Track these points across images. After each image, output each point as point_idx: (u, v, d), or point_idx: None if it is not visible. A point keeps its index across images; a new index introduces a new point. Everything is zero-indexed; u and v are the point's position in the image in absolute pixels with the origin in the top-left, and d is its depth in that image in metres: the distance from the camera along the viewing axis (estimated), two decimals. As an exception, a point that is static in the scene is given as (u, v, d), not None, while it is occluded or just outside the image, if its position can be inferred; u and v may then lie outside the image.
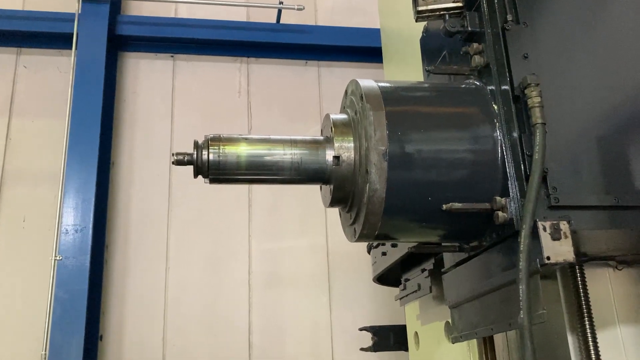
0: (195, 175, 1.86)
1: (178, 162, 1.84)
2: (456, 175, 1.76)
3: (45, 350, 4.31)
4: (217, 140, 1.85)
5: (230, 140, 1.86)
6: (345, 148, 1.82)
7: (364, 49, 5.72)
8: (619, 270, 2.13)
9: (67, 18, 5.26)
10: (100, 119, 5.03)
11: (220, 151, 1.83)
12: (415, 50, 2.69)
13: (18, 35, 5.43)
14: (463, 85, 1.95)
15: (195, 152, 1.83)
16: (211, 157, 1.82)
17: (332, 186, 1.87)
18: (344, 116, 1.93)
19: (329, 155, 1.85)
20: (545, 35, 1.87)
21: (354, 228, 1.87)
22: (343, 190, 1.85)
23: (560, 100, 1.80)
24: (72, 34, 5.15)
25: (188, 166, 1.84)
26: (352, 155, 1.82)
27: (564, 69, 1.85)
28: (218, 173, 1.85)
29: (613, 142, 1.79)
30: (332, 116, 1.92)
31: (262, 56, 5.88)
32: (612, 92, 1.86)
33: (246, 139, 1.89)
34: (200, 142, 1.85)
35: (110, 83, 5.42)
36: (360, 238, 1.85)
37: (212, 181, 1.88)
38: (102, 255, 4.99)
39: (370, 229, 1.79)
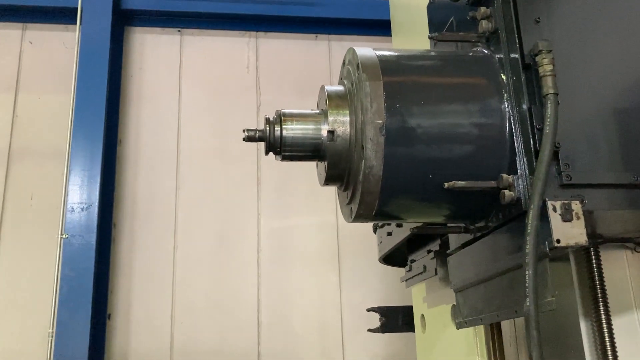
0: (267, 152, 1.78)
1: (249, 139, 1.76)
2: (460, 150, 1.63)
3: (52, 329, 4.30)
4: (289, 115, 1.76)
5: (304, 116, 1.77)
6: (340, 122, 1.70)
7: (375, 21, 5.53)
8: (637, 252, 2.00)
9: (73, -8, 5.16)
10: (105, 95, 4.95)
11: (295, 127, 1.74)
12: (424, 20, 2.54)
13: (23, 10, 5.33)
14: (470, 54, 1.81)
15: (267, 128, 1.74)
16: (284, 132, 1.73)
17: (326, 163, 1.75)
18: (339, 88, 1.80)
19: (324, 130, 1.73)
20: (559, -2, 1.72)
21: (351, 208, 1.77)
22: (338, 167, 1.73)
23: (575, 69, 1.65)
24: (77, 8, 5.05)
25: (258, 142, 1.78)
26: (348, 130, 1.69)
27: (580, 35, 1.70)
28: (292, 150, 1.76)
29: (633, 116, 1.64)
30: (327, 87, 1.80)
31: (271, 30, 5.73)
32: (633, 61, 1.70)
33: (320, 113, 1.79)
34: (271, 117, 1.77)
35: (116, 59, 5.32)
36: (357, 218, 1.74)
37: (285, 158, 1.80)
38: (109, 233, 4.95)
39: (367, 209, 1.68)
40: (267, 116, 1.78)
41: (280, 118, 1.75)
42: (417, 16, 3.09)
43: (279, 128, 1.74)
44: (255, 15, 5.60)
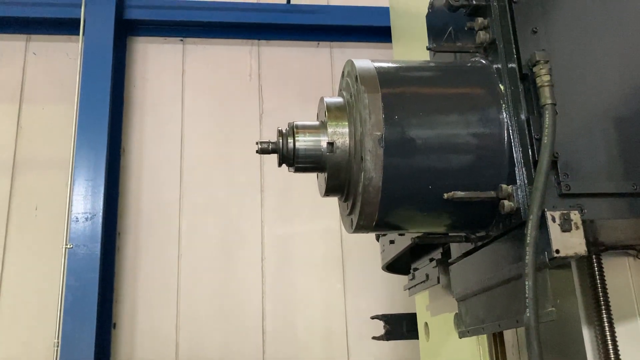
0: (280, 164, 1.80)
1: (262, 151, 1.78)
2: (459, 161, 1.63)
3: (58, 339, 4.31)
4: (302, 127, 1.77)
5: (316, 128, 1.78)
6: (339, 134, 1.71)
7: (376, 28, 5.55)
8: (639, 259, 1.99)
9: (75, 3, 5.20)
10: (109, 105, 4.98)
11: (307, 139, 1.75)
12: (424, 27, 2.55)
13: (27, 22, 5.38)
14: (468, 64, 1.82)
15: (280, 140, 1.76)
16: (297, 145, 1.74)
17: (326, 174, 1.76)
18: (338, 99, 1.81)
19: (323, 141, 1.74)
20: (556, 8, 1.72)
21: (351, 219, 1.77)
22: (338, 178, 1.74)
23: (573, 79, 1.65)
24: (80, 19, 5.09)
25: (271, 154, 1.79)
26: (347, 141, 1.70)
27: (578, 45, 1.70)
28: (305, 161, 1.77)
29: (631, 124, 1.64)
30: (326, 99, 1.81)
31: (273, 38, 5.75)
32: (631, 70, 1.70)
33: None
34: (283, 129, 1.78)
35: (119, 68, 5.35)
36: (358, 229, 1.74)
37: (298, 170, 1.81)
38: (114, 242, 4.97)
39: (367, 220, 1.68)
40: (279, 128, 1.79)
41: (293, 130, 1.77)
42: (417, 23, 3.09)
43: (292, 140, 1.75)
44: (257, 23, 5.63)
